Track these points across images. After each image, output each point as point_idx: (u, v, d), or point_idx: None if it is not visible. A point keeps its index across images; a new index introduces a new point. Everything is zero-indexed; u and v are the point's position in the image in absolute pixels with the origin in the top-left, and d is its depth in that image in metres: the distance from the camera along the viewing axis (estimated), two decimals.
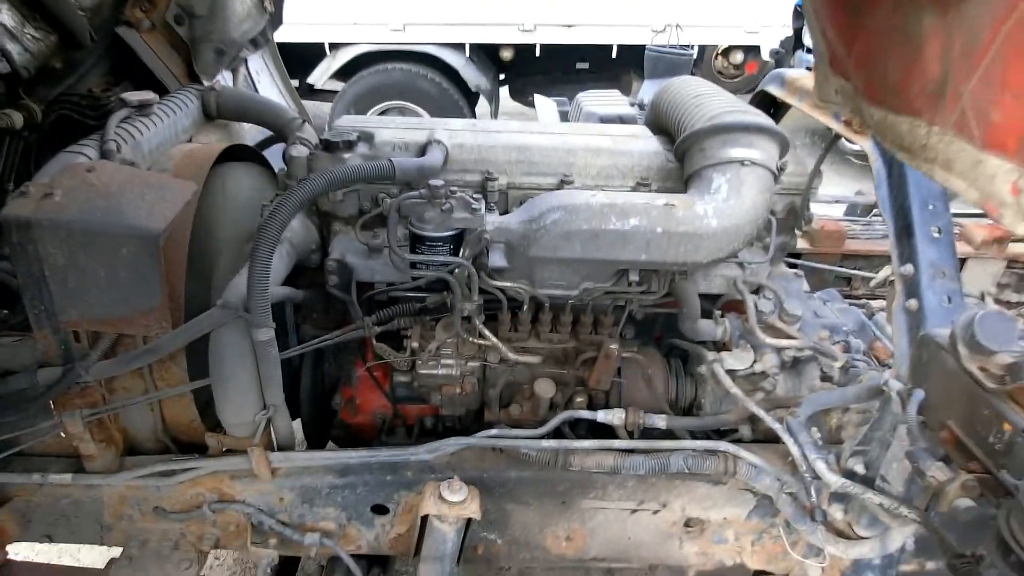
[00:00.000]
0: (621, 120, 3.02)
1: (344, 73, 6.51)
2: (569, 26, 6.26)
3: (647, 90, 3.79)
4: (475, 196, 1.64)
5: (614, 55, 6.45)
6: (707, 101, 1.81)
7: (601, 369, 1.71)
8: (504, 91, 7.41)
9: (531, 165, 1.91)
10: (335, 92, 6.58)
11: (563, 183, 1.89)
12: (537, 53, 6.46)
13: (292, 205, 1.52)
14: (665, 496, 1.69)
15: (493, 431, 1.65)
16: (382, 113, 6.50)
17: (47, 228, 1.46)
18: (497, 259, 1.64)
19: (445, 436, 2.13)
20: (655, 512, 1.75)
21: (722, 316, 1.80)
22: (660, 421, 1.67)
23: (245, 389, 1.57)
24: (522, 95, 7.41)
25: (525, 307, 1.73)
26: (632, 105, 3.21)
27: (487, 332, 1.67)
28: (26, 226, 1.46)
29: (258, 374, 1.58)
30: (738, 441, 1.73)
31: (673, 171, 1.91)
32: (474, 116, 6.61)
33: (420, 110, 6.33)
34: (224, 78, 2.71)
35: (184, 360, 1.74)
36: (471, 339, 1.72)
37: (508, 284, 1.65)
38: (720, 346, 1.83)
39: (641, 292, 1.73)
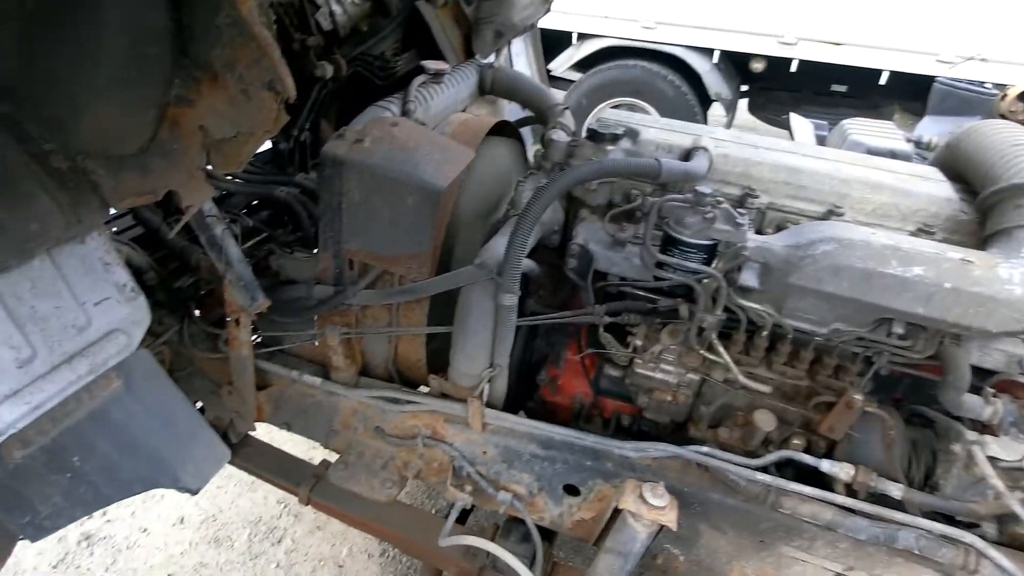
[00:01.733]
0: (893, 155, 2.72)
1: (584, 64, 6.65)
2: (837, 44, 5.77)
3: (928, 127, 3.37)
4: (740, 210, 1.59)
5: (881, 82, 5.84)
6: None
7: (838, 417, 1.58)
8: (742, 103, 7.07)
9: (799, 189, 1.80)
10: (570, 81, 6.75)
11: (831, 214, 1.77)
12: (792, 68, 6.06)
13: (561, 186, 1.59)
14: (881, 570, 1.53)
15: (706, 448, 1.61)
16: (613, 108, 6.54)
17: (354, 168, 1.68)
18: (750, 278, 1.58)
19: (640, 437, 2.14)
20: None
21: (994, 395, 1.57)
22: (895, 490, 1.51)
23: (481, 345, 1.69)
24: (763, 110, 7.01)
25: (764, 333, 1.65)
26: (908, 141, 2.88)
27: (721, 349, 1.62)
28: (339, 163, 1.69)
29: (494, 334, 1.69)
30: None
31: (965, 224, 1.70)
32: (706, 124, 6.40)
33: (651, 109, 6.27)
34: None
35: (427, 306, 1.92)
36: (700, 351, 1.68)
37: (755, 306, 1.58)
38: (982, 428, 1.61)
39: (903, 347, 1.56)
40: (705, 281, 1.58)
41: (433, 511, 3.30)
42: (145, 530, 3.17)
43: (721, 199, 1.57)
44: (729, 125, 6.60)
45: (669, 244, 1.62)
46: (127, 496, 1.45)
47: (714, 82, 6.17)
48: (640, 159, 1.64)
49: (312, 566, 3.00)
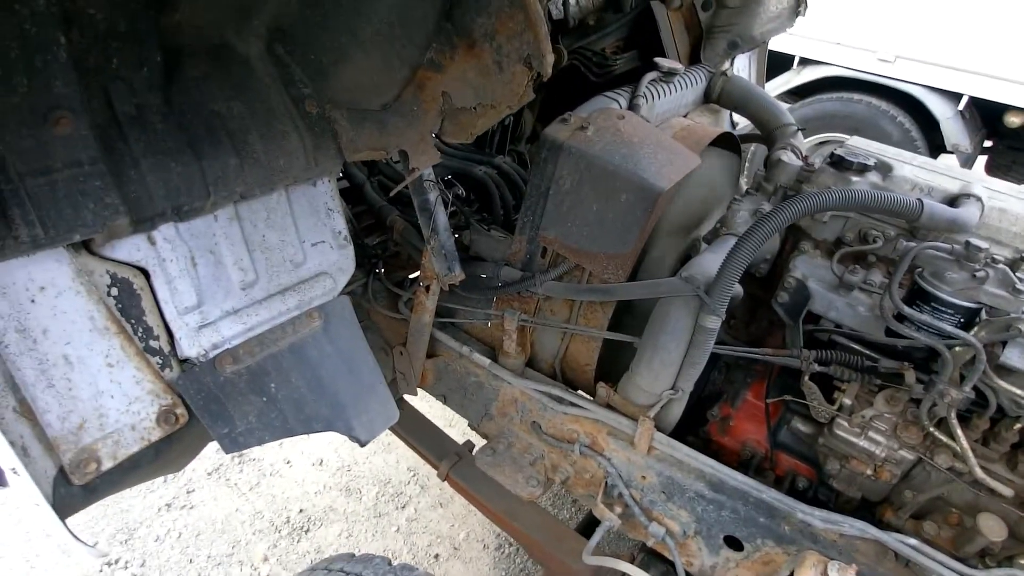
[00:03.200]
0: None
1: (801, 92, 6.16)
2: None
3: None
4: (1019, 275, 1.32)
5: None
6: None
7: None
8: (980, 160, 6.18)
9: None
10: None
11: None
12: None
13: (799, 211, 1.41)
14: None
15: (914, 540, 1.36)
16: (821, 144, 6.01)
17: (572, 154, 1.63)
18: (1017, 358, 1.31)
19: (816, 506, 1.91)
20: None
21: None
22: None
23: (669, 363, 1.57)
24: (1007, 173, 6.08)
25: (1018, 426, 1.36)
26: None
27: (960, 433, 1.36)
28: (557, 147, 1.64)
29: (685, 355, 1.56)
30: None
31: None
32: None
33: None
34: None
35: (611, 310, 1.83)
36: (926, 427, 1.43)
37: (1017, 392, 1.31)
38: None
39: None
40: (958, 349, 1.33)
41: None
42: (289, 462, 3.41)
43: (998, 257, 1.31)
44: None
45: (918, 298, 1.38)
46: (307, 432, 1.52)
47: (954, 131, 5.43)
48: (899, 195, 1.42)
49: (429, 540, 3.05)
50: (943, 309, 1.33)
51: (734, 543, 1.59)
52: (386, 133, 1.51)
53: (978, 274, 1.29)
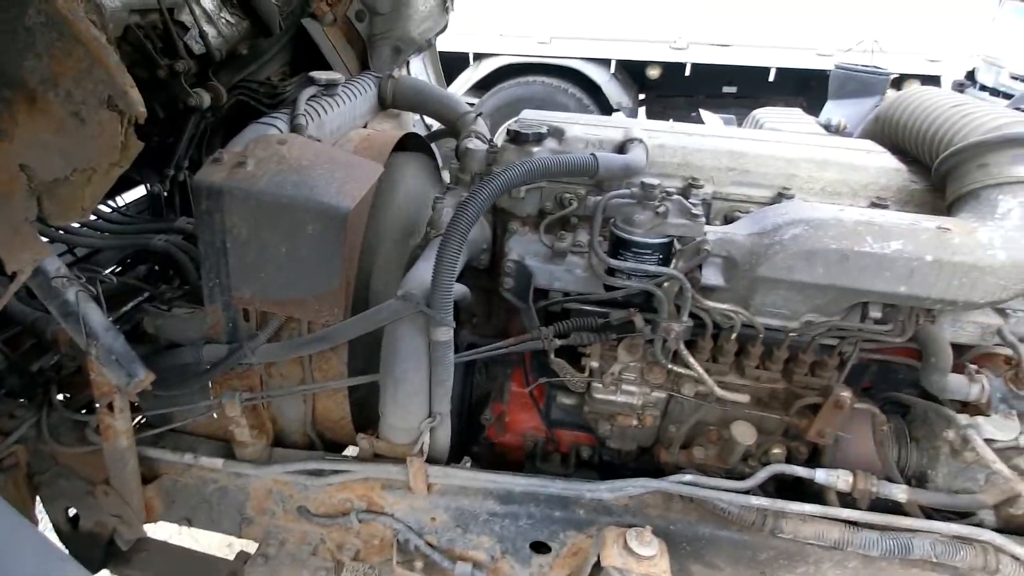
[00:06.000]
0: None
1: (484, 85, 6.52)
2: (725, 46, 5.93)
3: (832, 111, 3.42)
4: (693, 201, 1.41)
5: (771, 78, 6.05)
6: (976, 111, 1.49)
7: (826, 419, 1.41)
8: (641, 112, 7.17)
9: (744, 174, 1.66)
10: (471, 104, 6.59)
11: (781, 197, 1.63)
12: (687, 73, 6.18)
13: (488, 194, 1.35)
14: None
15: (688, 476, 1.40)
16: None
17: (237, 197, 1.38)
18: (713, 276, 1.40)
19: (603, 469, 1.92)
20: None
21: (977, 372, 1.46)
22: (900, 492, 1.36)
23: (415, 391, 1.41)
24: (661, 117, 7.14)
25: (733, 336, 1.47)
26: (820, 126, 2.87)
27: (692, 361, 1.42)
28: (217, 193, 1.39)
29: (429, 377, 1.42)
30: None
31: (918, 193, 1.60)
32: None
33: None
34: None
35: (346, 353, 1.62)
36: (666, 365, 1.48)
37: (722, 307, 1.40)
38: (962, 407, 1.49)
39: (881, 333, 1.42)
40: (665, 284, 1.39)
41: None
42: None
43: (671, 190, 1.38)
44: None
45: (619, 248, 1.41)
46: None
47: (614, 92, 6.20)
48: (574, 155, 1.44)
49: None
50: (642, 251, 1.38)
51: (541, 547, 1.51)
52: None
53: (659, 210, 1.35)
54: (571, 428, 1.89)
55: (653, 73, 6.34)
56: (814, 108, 6.89)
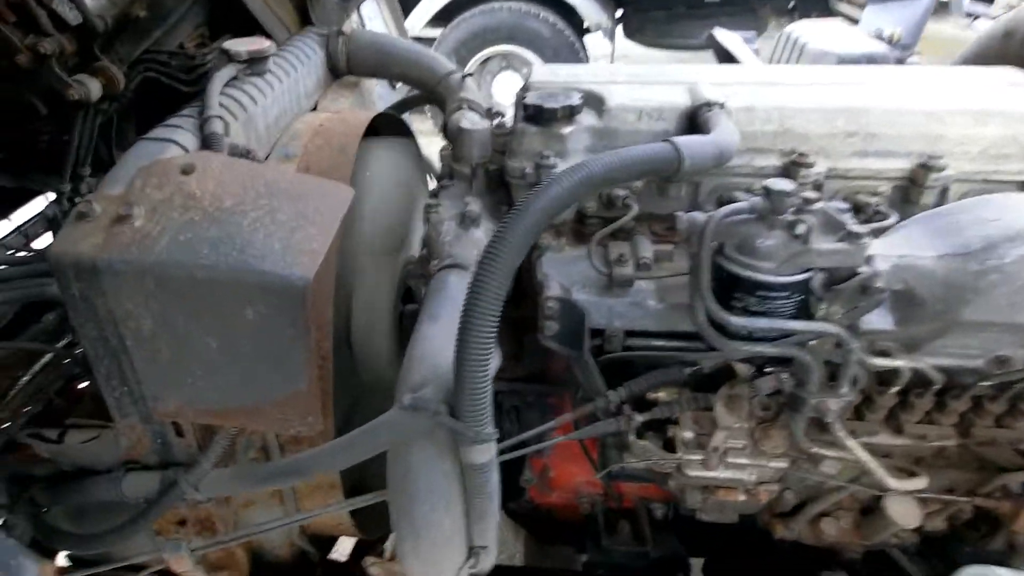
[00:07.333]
0: (872, 61, 2.17)
1: (444, 16, 5.76)
2: None
3: (875, 18, 2.85)
4: (841, 205, 0.91)
5: None
6: None
7: None
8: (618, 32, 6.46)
9: (869, 140, 1.16)
10: (432, 40, 5.85)
11: (927, 169, 1.13)
12: None
13: (527, 231, 0.85)
14: None
15: None
16: (485, 62, 5.76)
17: (124, 276, 0.86)
18: (880, 318, 0.93)
19: (682, 530, 1.51)
20: None
21: None
22: None
23: (445, 539, 0.94)
24: (641, 34, 6.45)
25: (893, 390, 1.01)
26: (878, 39, 2.34)
27: (853, 444, 0.96)
28: (89, 272, 0.86)
29: (465, 509, 0.95)
30: None
31: None
32: (588, 59, 5.75)
33: (530, 55, 5.54)
34: None
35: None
36: (810, 449, 1.02)
37: (896, 363, 0.93)
38: None
39: None
40: (813, 343, 0.91)
41: None
42: None
43: (814, 198, 0.87)
44: (613, 55, 5.98)
45: (732, 289, 0.92)
46: None
47: (590, 11, 5.50)
48: (651, 148, 0.93)
49: None
50: (772, 295, 0.89)
51: None
52: None
53: (797, 231, 0.86)
54: (636, 479, 1.46)
55: None
56: (806, 13, 6.31)
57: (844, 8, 5.59)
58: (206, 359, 0.92)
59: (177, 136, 1.05)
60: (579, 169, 0.89)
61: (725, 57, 2.84)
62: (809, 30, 2.44)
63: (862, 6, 5.41)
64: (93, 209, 0.89)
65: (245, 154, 1.10)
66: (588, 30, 5.81)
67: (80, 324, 0.92)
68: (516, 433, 1.52)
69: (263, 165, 1.10)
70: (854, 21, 5.12)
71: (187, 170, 0.94)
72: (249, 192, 0.93)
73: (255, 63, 1.28)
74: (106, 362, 0.95)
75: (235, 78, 1.26)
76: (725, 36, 2.84)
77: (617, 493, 1.50)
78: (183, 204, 0.90)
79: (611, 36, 5.74)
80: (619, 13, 6.39)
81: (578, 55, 5.60)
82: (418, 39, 6.02)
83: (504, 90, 5.89)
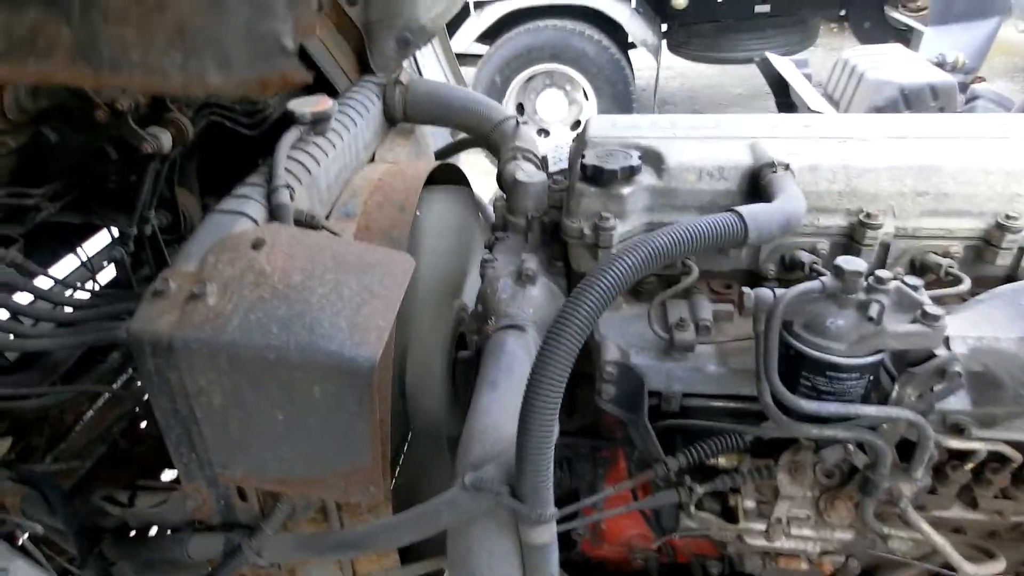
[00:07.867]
0: (934, 91, 2.09)
1: (490, 35, 5.80)
2: None
3: (937, 42, 2.75)
4: (911, 280, 0.88)
5: None
6: None
7: None
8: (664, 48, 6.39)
9: (941, 199, 1.12)
10: (478, 57, 5.90)
11: (1003, 228, 1.08)
12: None
13: (591, 310, 0.84)
14: None
15: None
16: (530, 79, 5.77)
17: (195, 354, 0.89)
18: (958, 400, 0.89)
19: None
20: None
21: None
22: None
23: None
24: (686, 48, 6.38)
25: (968, 467, 0.97)
26: (940, 65, 2.25)
27: (928, 529, 0.92)
28: (165, 350, 0.89)
29: None
30: None
31: None
32: (633, 75, 5.70)
33: (575, 73, 5.54)
34: None
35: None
36: (883, 533, 0.98)
37: (973, 446, 0.89)
38: None
39: None
40: (885, 426, 0.88)
41: None
42: None
43: (891, 276, 0.85)
44: (658, 72, 5.92)
45: (799, 369, 0.90)
46: None
47: (636, 28, 5.46)
48: (717, 220, 0.92)
49: None
50: (841, 376, 0.86)
51: None
52: None
53: (871, 313, 0.83)
54: (691, 535, 1.43)
55: (680, 2, 5.55)
56: (858, 23, 6.12)
57: (899, 16, 5.42)
58: (273, 432, 0.94)
59: (247, 208, 1.08)
60: (645, 244, 0.88)
61: (776, 82, 2.78)
62: (867, 57, 2.37)
63: (917, 12, 5.25)
64: (169, 287, 0.93)
65: (310, 220, 1.12)
66: (633, 46, 5.78)
67: (154, 396, 0.95)
68: (568, 484, 1.52)
69: (329, 237, 1.12)
70: (909, 31, 4.96)
71: (257, 245, 0.96)
72: (317, 266, 0.95)
73: (318, 124, 1.31)
74: (177, 431, 0.98)
75: (300, 141, 1.29)
76: (778, 62, 2.77)
77: (671, 548, 1.47)
78: (254, 281, 0.92)
79: (656, 52, 5.68)
80: (664, 28, 6.32)
81: (623, 71, 5.57)
82: (464, 56, 6.10)
83: (548, 107, 5.91)
